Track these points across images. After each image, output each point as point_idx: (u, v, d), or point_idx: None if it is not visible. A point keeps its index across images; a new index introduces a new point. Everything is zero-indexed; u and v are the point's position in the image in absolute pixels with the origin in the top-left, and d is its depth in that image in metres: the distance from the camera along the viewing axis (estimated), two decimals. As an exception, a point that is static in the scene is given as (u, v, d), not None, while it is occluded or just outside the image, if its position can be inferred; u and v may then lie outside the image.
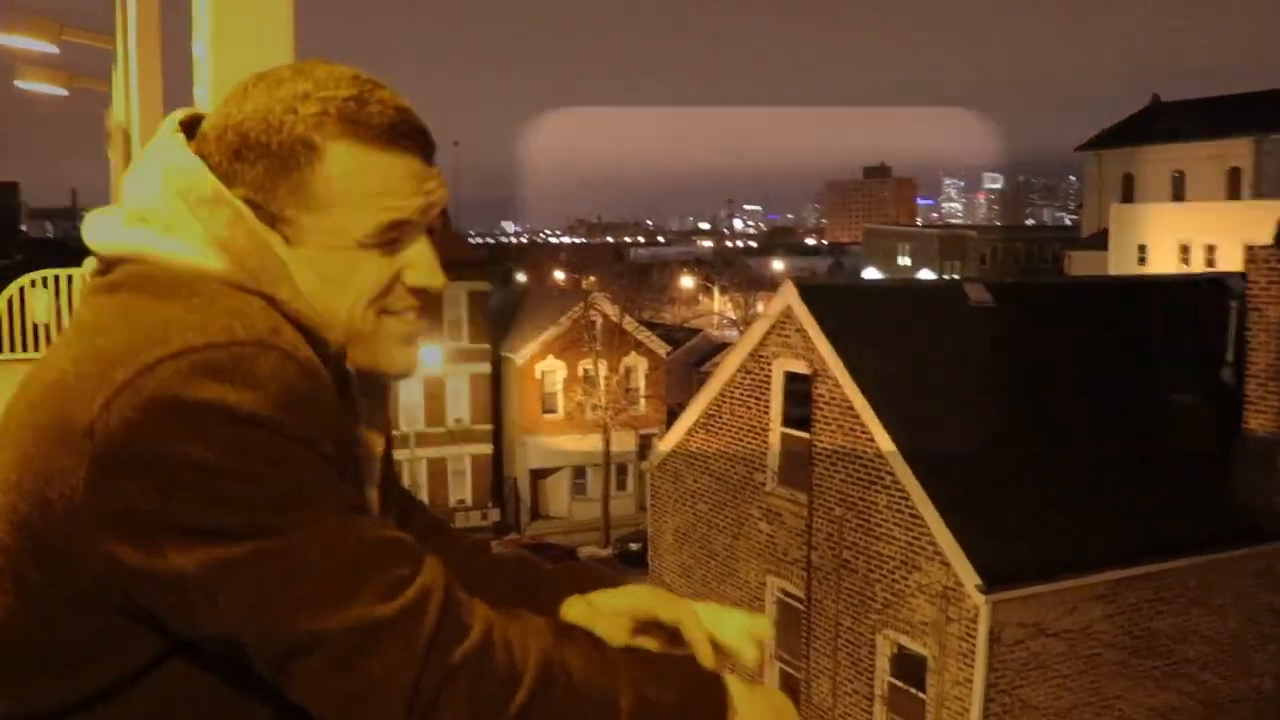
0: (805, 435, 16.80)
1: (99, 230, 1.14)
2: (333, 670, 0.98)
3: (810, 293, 17.02)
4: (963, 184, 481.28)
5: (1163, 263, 57.74)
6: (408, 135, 1.12)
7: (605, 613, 1.22)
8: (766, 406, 17.74)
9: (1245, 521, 15.20)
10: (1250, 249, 15.84)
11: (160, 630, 1.02)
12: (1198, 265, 55.54)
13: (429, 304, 1.19)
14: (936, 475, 14.46)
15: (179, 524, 0.95)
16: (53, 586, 1.01)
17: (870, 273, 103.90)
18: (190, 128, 1.17)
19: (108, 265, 1.12)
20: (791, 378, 17.23)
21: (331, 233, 1.11)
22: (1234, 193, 73.89)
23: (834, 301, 17.14)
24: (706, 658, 1.19)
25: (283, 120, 1.09)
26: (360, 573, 0.99)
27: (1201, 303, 18.31)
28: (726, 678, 1.16)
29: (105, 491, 0.96)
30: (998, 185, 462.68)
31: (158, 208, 1.10)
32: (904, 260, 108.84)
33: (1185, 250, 59.56)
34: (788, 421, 17.41)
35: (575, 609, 1.23)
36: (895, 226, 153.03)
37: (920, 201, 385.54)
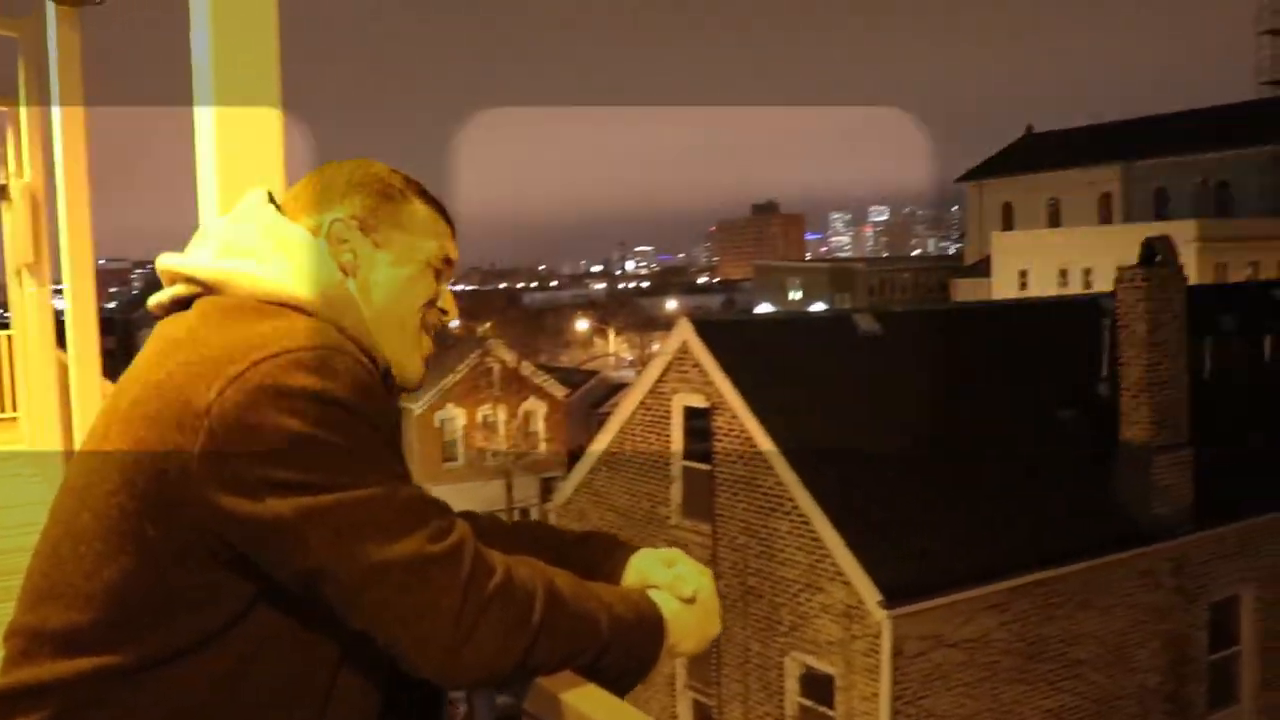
0: (707, 467, 17.17)
1: (193, 259, 1.50)
2: (395, 594, 1.27)
3: (706, 328, 17.41)
4: (849, 217, 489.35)
5: (1043, 286, 59.35)
6: (446, 214, 1.64)
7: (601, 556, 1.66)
8: (668, 441, 18.10)
9: (1126, 527, 15.91)
10: (1119, 270, 16.65)
11: (253, 578, 1.31)
12: (1076, 287, 57.23)
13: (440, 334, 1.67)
14: (835, 499, 14.92)
15: (279, 480, 1.25)
16: (166, 540, 1.29)
17: (762, 307, 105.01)
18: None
19: (179, 301, 1.49)
20: (691, 412, 17.60)
21: (409, 247, 1.56)
22: (1106, 217, 76.44)
23: (729, 336, 17.56)
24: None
25: (382, 176, 1.58)
26: (414, 520, 1.30)
27: (1078, 322, 19.13)
28: (662, 600, 1.53)
29: (219, 457, 1.26)
30: (883, 217, 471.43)
31: (256, 245, 1.47)
32: (794, 294, 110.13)
33: (1064, 274, 61.39)
34: (689, 455, 17.76)
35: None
36: (785, 262, 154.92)
37: (808, 236, 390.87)
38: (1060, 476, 16.24)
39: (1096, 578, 15.54)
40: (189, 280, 1.48)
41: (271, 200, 1.57)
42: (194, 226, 2.12)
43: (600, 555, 1.63)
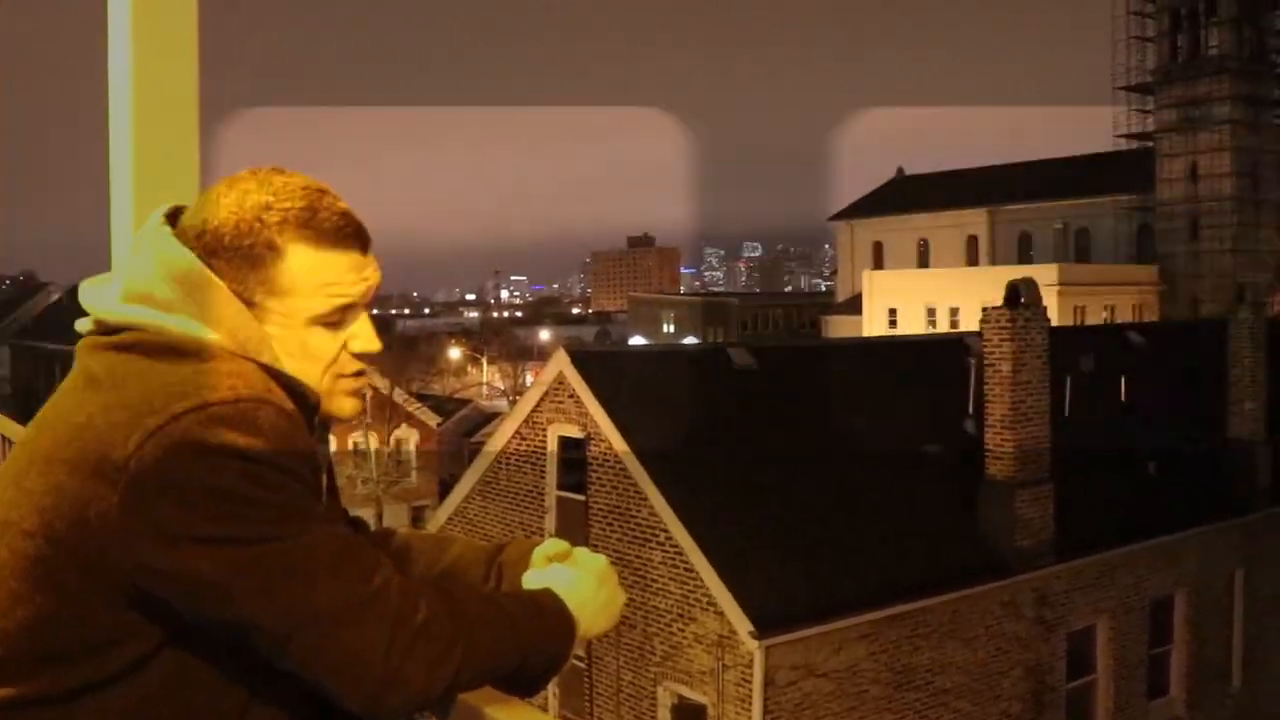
0: (581, 498, 17.17)
1: (102, 300, 1.42)
2: (323, 640, 1.28)
3: (582, 359, 17.45)
4: (723, 253, 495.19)
5: (912, 324, 60.72)
6: (350, 235, 1.45)
7: (513, 560, 1.63)
8: (542, 471, 18.06)
9: (991, 558, 16.35)
10: (985, 310, 17.17)
11: (169, 618, 1.30)
12: (943, 326, 58.67)
13: (369, 361, 1.56)
14: (708, 529, 15.05)
15: (202, 534, 1.24)
16: (84, 587, 1.28)
17: (636, 339, 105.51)
18: (170, 218, 1.48)
19: (109, 328, 1.42)
20: (566, 442, 17.60)
21: (291, 314, 1.42)
22: (973, 259, 78.74)
23: (605, 367, 17.63)
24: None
25: (252, 227, 1.40)
26: (340, 566, 1.31)
27: (946, 360, 19.64)
28: (566, 593, 1.54)
29: (140, 511, 1.24)
30: (757, 253, 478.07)
31: (157, 291, 1.38)
32: (668, 327, 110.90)
33: (932, 312, 62.96)
34: (564, 485, 17.75)
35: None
36: (659, 295, 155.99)
37: (683, 270, 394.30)
38: (928, 509, 16.64)
39: (962, 608, 15.94)
40: (97, 320, 1.44)
41: (173, 220, 1.46)
42: (104, 239, 2.06)
43: (506, 564, 1.65)
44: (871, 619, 14.94)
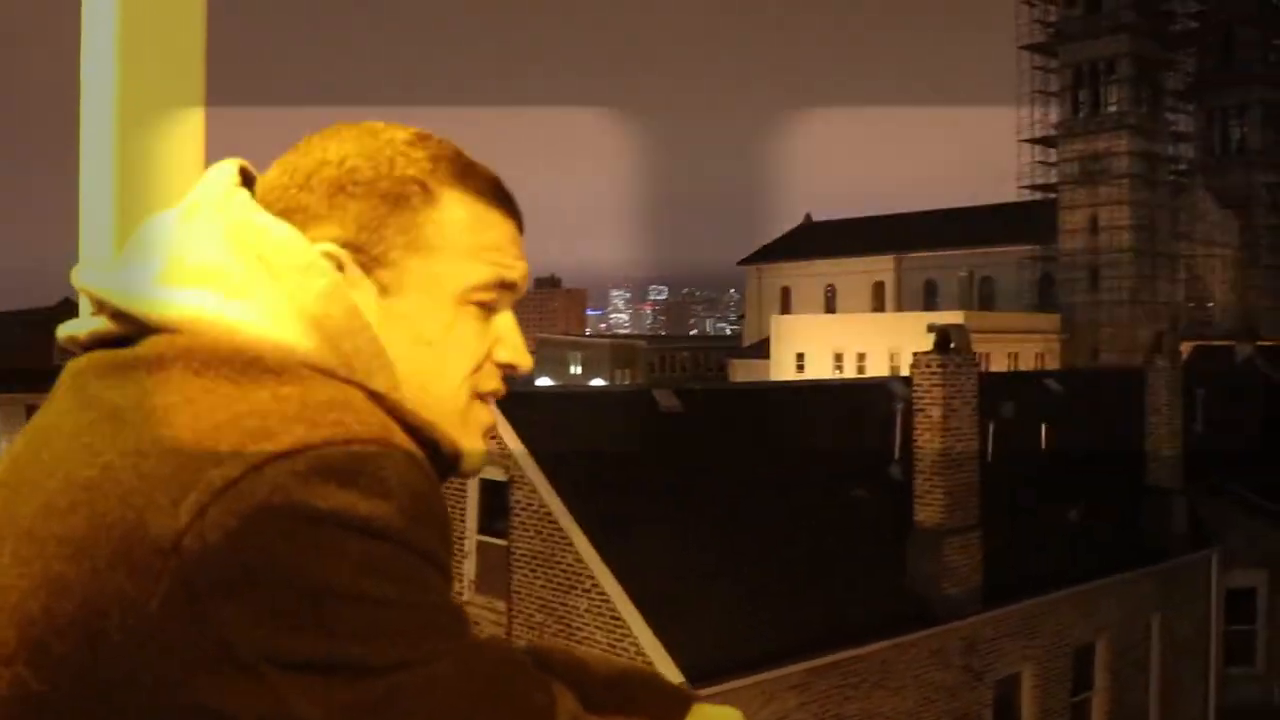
0: (503, 543, 16.77)
1: (128, 284, 0.90)
2: None
3: (505, 400, 16.97)
4: (629, 295, 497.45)
5: (819, 369, 61.27)
6: (508, 200, 1.02)
7: None
8: (463, 514, 17.62)
9: (919, 607, 16.23)
10: (915, 355, 17.14)
11: None
12: (850, 371, 59.29)
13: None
14: (636, 577, 14.73)
15: (299, 660, 0.76)
16: None
17: (543, 381, 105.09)
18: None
19: (124, 335, 0.90)
20: (487, 485, 17.21)
21: (438, 280, 0.95)
22: (879, 305, 79.88)
23: (528, 409, 17.26)
24: None
25: (393, 160, 0.95)
26: (502, 703, 0.87)
27: (871, 405, 19.61)
28: None
29: (200, 622, 0.75)
30: (663, 297, 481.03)
31: (227, 267, 0.89)
32: (575, 369, 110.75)
33: (839, 358, 63.57)
34: (485, 529, 17.34)
35: None
36: (567, 336, 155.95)
37: (589, 312, 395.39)
38: (857, 556, 16.47)
39: (892, 657, 15.77)
40: (120, 315, 0.91)
41: (247, 181, 0.98)
42: (72, 240, 1.48)
43: (653, 706, 1.22)
44: (802, 669, 14.71)
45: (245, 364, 0.84)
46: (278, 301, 0.88)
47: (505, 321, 1.01)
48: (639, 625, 14.33)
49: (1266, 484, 23.52)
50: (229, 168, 0.97)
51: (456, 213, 0.97)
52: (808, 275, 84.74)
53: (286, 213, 0.94)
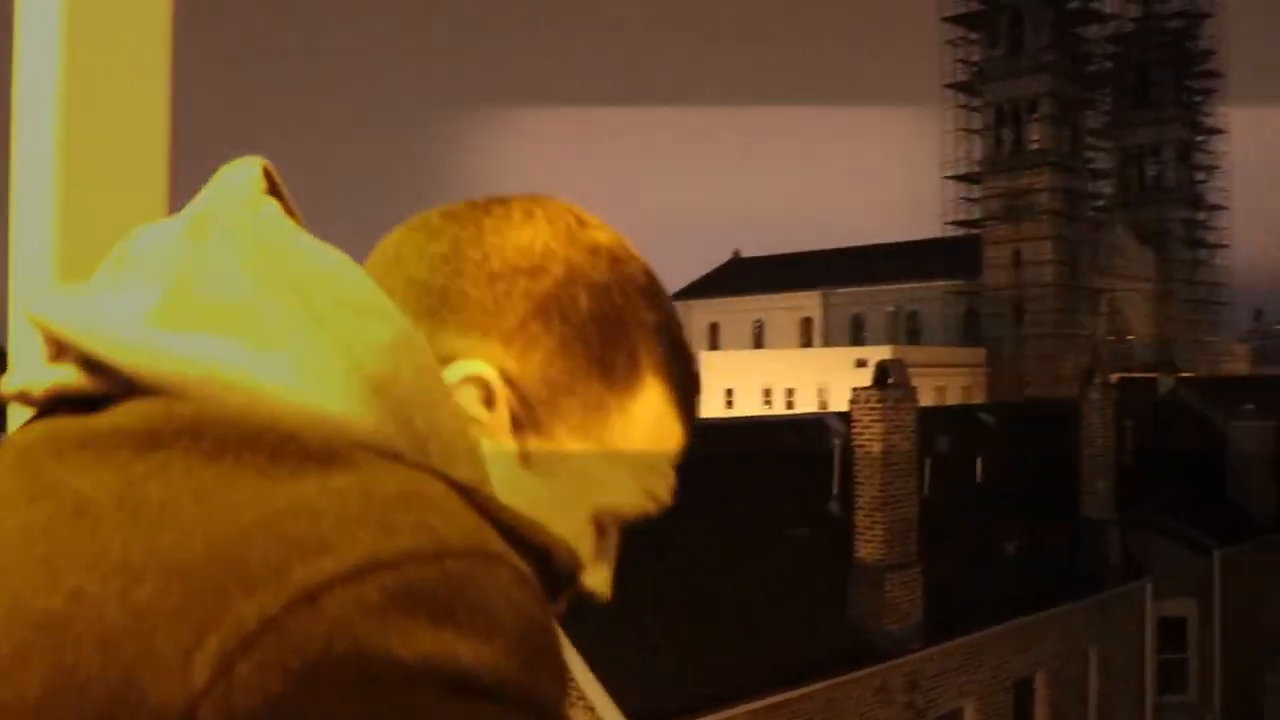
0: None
1: (98, 320, 0.61)
2: None
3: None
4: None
5: (748, 405, 61.28)
6: (694, 408, 0.78)
7: None
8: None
9: (861, 644, 16.09)
10: (854, 390, 17.08)
11: None
12: (779, 407, 59.41)
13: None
14: (574, 622, 14.31)
15: None
16: None
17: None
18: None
19: (97, 393, 0.61)
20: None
21: (585, 485, 0.72)
22: (807, 340, 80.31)
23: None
24: None
25: (617, 307, 0.70)
26: None
27: (807, 441, 19.51)
28: None
29: None
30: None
31: (251, 306, 0.60)
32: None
33: (768, 393, 63.75)
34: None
35: None
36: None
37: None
38: (797, 595, 16.31)
39: (836, 696, 15.60)
40: (92, 364, 0.61)
41: (274, 190, 0.67)
42: None
43: None
44: (747, 710, 14.49)
45: (277, 445, 0.56)
46: (323, 356, 0.59)
47: (612, 542, 0.78)
48: (581, 670, 14.02)
49: (1194, 514, 23.81)
50: (251, 168, 0.67)
51: (647, 415, 0.73)
52: (735, 311, 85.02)
53: (434, 297, 0.69)
